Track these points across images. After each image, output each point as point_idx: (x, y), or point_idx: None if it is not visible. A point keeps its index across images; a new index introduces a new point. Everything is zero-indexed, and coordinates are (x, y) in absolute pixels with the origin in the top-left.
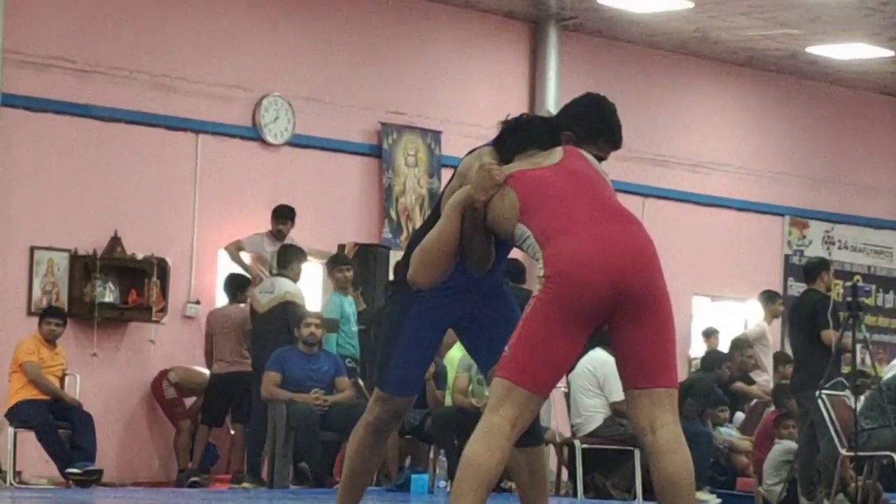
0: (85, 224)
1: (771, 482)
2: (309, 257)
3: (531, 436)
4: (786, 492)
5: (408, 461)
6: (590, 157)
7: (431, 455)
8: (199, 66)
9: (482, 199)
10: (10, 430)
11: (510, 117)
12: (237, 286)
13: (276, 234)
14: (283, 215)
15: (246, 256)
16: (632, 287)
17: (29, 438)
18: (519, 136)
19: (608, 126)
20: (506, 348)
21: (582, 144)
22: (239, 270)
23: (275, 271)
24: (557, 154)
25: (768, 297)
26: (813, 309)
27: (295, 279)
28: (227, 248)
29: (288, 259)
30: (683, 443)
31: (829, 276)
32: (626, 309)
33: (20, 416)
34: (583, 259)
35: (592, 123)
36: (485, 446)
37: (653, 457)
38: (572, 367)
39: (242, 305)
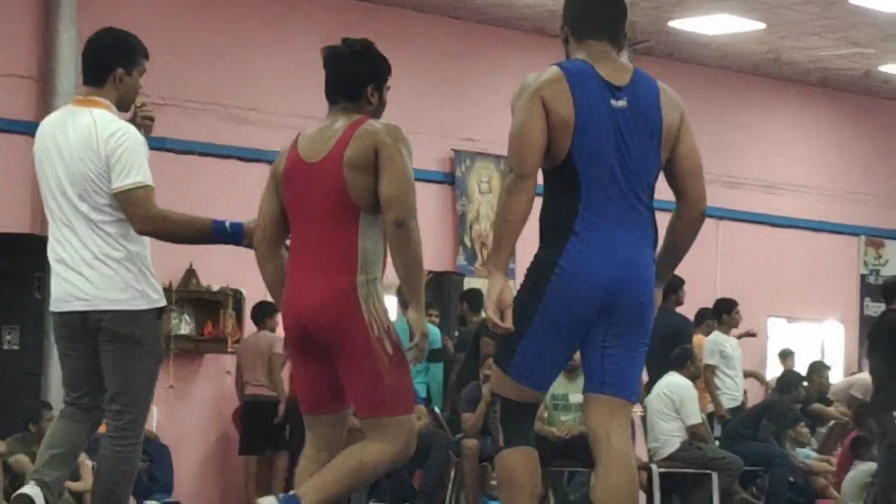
0: (160, 257)
1: None
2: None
3: None
4: None
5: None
6: None
7: None
8: (271, 97)
9: None
10: (89, 462)
11: None
12: (265, 314)
13: None
14: None
15: None
16: None
17: None
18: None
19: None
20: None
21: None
22: (267, 298)
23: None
24: None
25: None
26: (893, 329)
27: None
28: None
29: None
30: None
31: None
32: None
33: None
34: None
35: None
36: None
37: None
38: (648, 391)
39: (269, 333)
